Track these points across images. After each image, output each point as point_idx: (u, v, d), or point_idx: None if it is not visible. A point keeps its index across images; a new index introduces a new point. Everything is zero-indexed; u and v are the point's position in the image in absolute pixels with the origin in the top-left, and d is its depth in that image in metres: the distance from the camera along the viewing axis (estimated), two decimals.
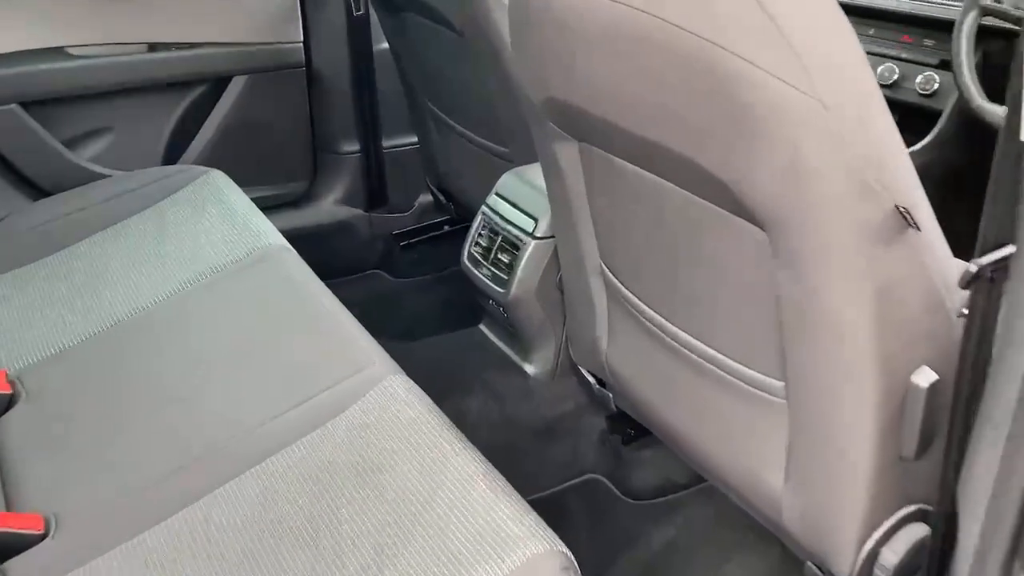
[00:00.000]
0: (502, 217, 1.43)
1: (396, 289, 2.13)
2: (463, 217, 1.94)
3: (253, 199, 1.71)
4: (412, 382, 1.07)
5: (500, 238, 1.43)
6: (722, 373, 0.93)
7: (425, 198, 2.16)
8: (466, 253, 1.50)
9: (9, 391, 1.19)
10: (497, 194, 1.46)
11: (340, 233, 2.09)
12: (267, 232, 1.45)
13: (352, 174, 2.07)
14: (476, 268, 1.47)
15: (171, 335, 1.25)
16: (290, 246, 1.44)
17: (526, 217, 1.39)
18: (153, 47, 1.76)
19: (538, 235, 1.37)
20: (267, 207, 1.96)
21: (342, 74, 1.95)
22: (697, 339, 0.95)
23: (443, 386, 1.41)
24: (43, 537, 0.94)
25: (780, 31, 0.63)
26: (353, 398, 1.05)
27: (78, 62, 1.70)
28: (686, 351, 0.98)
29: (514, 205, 1.43)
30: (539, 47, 0.89)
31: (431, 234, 2.19)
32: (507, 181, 1.47)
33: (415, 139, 2.06)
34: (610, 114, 0.83)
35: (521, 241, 1.38)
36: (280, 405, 1.07)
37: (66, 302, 1.35)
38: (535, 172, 1.43)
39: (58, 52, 1.68)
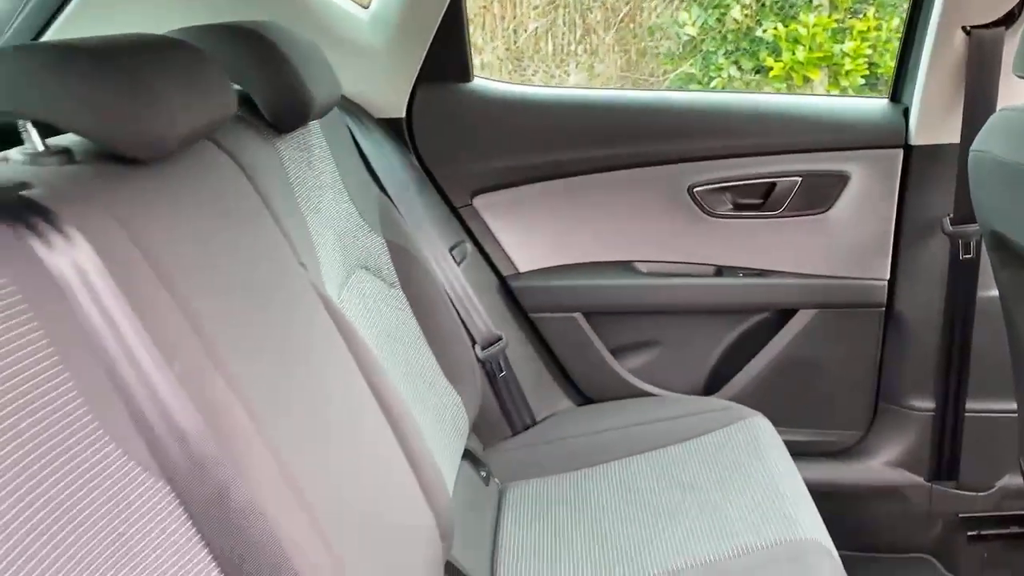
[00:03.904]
0: None
1: None
2: None
3: (792, 441, 1.51)
4: None
5: None
6: None
7: (1013, 482, 1.68)
8: None
9: None
10: None
11: (888, 501, 1.72)
12: (808, 521, 1.21)
13: (917, 434, 1.70)
14: None
15: None
16: (832, 548, 1.17)
17: None
18: (720, 270, 1.68)
19: None
20: (808, 453, 1.72)
21: (930, 321, 1.63)
22: None
23: None
24: None
25: None
26: None
27: (645, 280, 1.68)
28: None
29: None
30: None
31: (1013, 529, 1.69)
32: None
33: (1012, 407, 1.62)
34: None
35: None
36: None
37: (579, 535, 1.29)
38: None
39: (628, 267, 1.69)
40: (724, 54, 4.72)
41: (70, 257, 0.64)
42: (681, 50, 4.83)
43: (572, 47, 4.95)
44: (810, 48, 4.45)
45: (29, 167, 0.74)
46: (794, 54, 4.45)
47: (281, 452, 0.76)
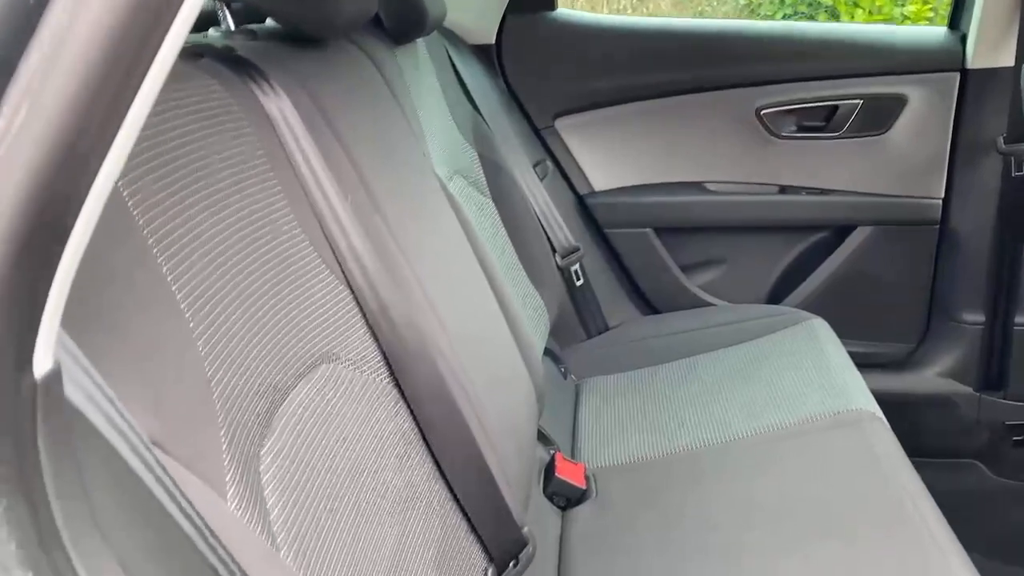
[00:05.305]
0: None
1: (995, 490, 1.79)
2: None
3: (850, 352, 1.63)
4: None
5: None
6: None
7: None
8: None
9: (583, 487, 1.28)
10: None
11: (939, 408, 1.84)
12: (860, 395, 1.35)
13: (968, 347, 1.81)
14: None
15: (741, 477, 1.24)
16: (882, 415, 1.31)
17: None
18: (784, 189, 1.80)
19: None
20: (863, 364, 1.83)
21: (982, 238, 1.74)
22: None
23: None
24: None
25: None
26: None
27: (713, 197, 1.81)
28: None
29: None
30: None
31: None
32: None
33: None
34: None
35: None
36: None
37: (652, 415, 1.43)
38: None
39: (697, 186, 1.83)
40: (782, 18, 4.75)
41: (276, 102, 0.81)
42: (739, 14, 4.88)
43: (629, 12, 5.04)
44: (869, 11, 4.45)
45: (227, 41, 0.91)
46: (853, 18, 4.45)
47: (423, 281, 0.92)
